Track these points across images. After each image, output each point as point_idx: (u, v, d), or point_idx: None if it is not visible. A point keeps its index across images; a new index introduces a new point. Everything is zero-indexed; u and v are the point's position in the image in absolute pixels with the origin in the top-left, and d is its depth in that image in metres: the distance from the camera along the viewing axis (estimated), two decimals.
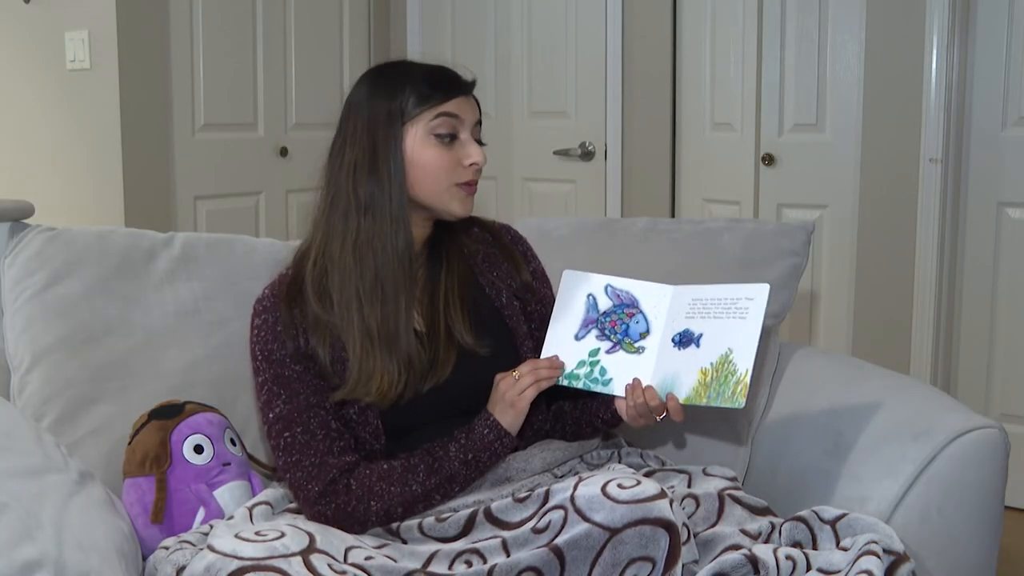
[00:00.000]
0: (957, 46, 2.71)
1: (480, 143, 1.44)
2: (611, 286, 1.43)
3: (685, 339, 1.36)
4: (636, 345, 1.39)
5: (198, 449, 1.47)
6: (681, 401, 1.33)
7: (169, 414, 1.50)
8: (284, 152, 3.40)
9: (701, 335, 1.35)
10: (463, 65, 1.44)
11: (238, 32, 3.25)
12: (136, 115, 3.01)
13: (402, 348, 1.37)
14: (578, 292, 1.43)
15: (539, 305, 1.53)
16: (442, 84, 1.39)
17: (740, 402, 1.29)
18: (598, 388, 1.39)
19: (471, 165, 1.41)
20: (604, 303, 1.42)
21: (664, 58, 3.23)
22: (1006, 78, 2.70)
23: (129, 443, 1.50)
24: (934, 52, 2.71)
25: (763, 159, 2.99)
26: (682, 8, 3.17)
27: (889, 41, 2.79)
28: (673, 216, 3.27)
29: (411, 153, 1.38)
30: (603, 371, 1.39)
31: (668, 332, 1.38)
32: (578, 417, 1.49)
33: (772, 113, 2.97)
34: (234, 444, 1.53)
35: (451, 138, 1.40)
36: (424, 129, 1.38)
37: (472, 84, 1.43)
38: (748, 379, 1.29)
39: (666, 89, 3.24)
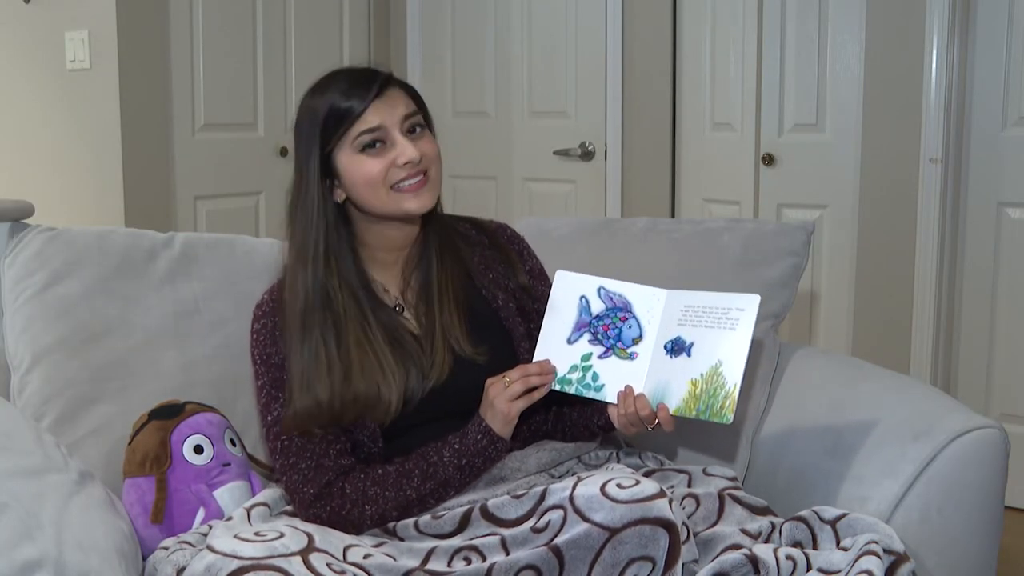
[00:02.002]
0: (957, 46, 2.71)
1: (419, 129, 1.41)
2: (604, 288, 1.41)
3: (677, 347, 1.35)
4: (628, 351, 1.38)
5: (198, 449, 1.47)
6: (671, 412, 1.33)
7: (169, 414, 1.50)
8: (284, 152, 3.40)
9: (692, 344, 1.34)
10: (380, 64, 1.43)
11: (238, 32, 3.25)
12: (136, 115, 3.01)
13: (315, 392, 1.36)
14: (571, 294, 1.42)
15: (537, 304, 1.52)
16: (350, 99, 1.37)
17: (728, 418, 1.28)
18: (590, 394, 1.38)
19: (405, 164, 1.38)
20: (597, 306, 1.41)
21: (664, 58, 3.22)
22: (1006, 78, 2.70)
23: (129, 443, 1.50)
24: (934, 52, 2.71)
25: (763, 159, 2.99)
26: (682, 8, 3.17)
27: (889, 41, 2.79)
28: (673, 216, 3.27)
29: (347, 173, 1.39)
30: (595, 376, 1.38)
31: (661, 339, 1.37)
32: (576, 420, 1.49)
33: (772, 113, 2.97)
34: (234, 444, 1.53)
35: (380, 143, 1.38)
36: (350, 147, 1.38)
37: (387, 81, 1.40)
38: (736, 394, 1.28)
39: (666, 89, 3.24)
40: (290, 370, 1.38)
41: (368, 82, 1.39)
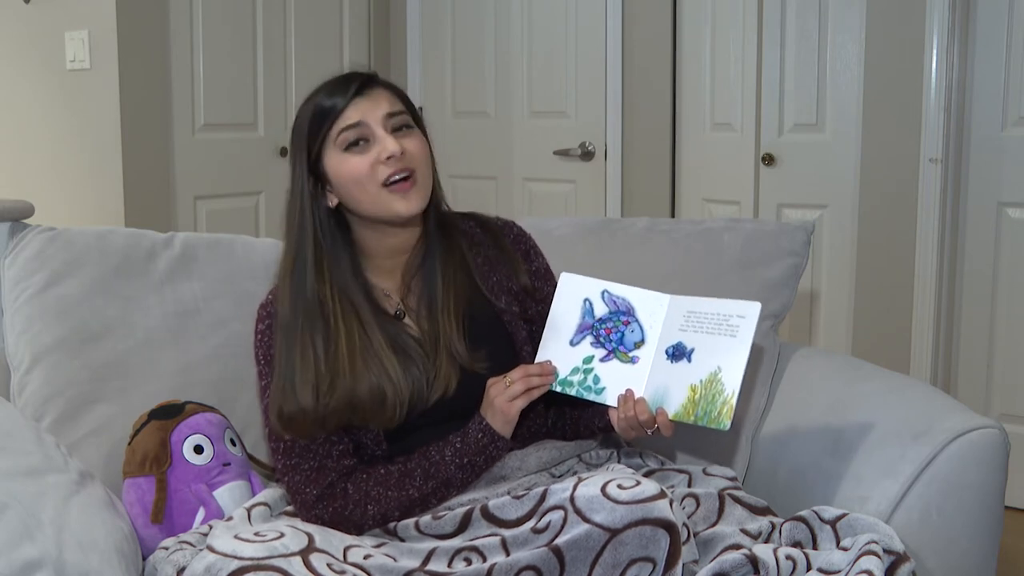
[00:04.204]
0: (957, 46, 2.71)
1: (406, 128, 1.40)
2: (608, 292, 1.42)
3: (678, 352, 1.36)
4: (630, 355, 1.38)
5: (198, 449, 1.48)
6: (670, 417, 1.33)
7: (169, 414, 1.51)
8: (284, 152, 3.40)
9: (693, 350, 1.34)
10: (361, 64, 1.45)
11: (238, 32, 3.25)
12: (136, 115, 3.01)
13: (298, 399, 1.35)
14: (575, 296, 1.42)
15: (540, 306, 1.52)
16: (333, 97, 1.39)
17: (725, 424, 1.29)
18: (591, 396, 1.39)
19: (388, 159, 1.37)
20: (600, 309, 1.41)
21: (664, 58, 3.23)
22: (1006, 78, 2.70)
23: (129, 443, 1.50)
24: (934, 52, 2.71)
25: (763, 159, 2.99)
26: (682, 8, 3.17)
27: (889, 41, 2.79)
28: (673, 216, 3.27)
29: (335, 174, 1.39)
30: (596, 379, 1.39)
31: (663, 344, 1.37)
32: (576, 420, 1.49)
33: (772, 113, 2.97)
34: (234, 444, 1.53)
35: (364, 141, 1.38)
36: (335, 146, 1.39)
37: (368, 80, 1.41)
38: (735, 400, 1.29)
39: (666, 89, 3.24)
40: (272, 375, 1.38)
41: (348, 81, 1.40)
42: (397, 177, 1.37)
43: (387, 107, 1.40)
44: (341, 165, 1.38)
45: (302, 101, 1.44)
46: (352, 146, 1.38)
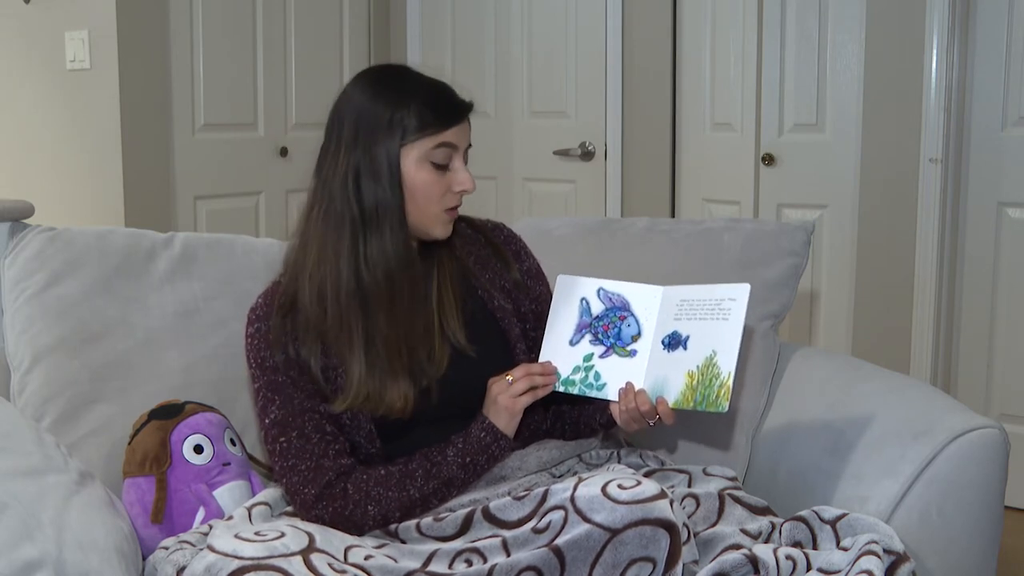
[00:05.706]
0: (957, 46, 2.71)
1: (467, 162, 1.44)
2: (603, 289, 1.44)
3: (674, 341, 1.37)
4: (628, 349, 1.40)
5: (198, 449, 1.48)
6: (670, 405, 1.34)
7: (169, 414, 1.51)
8: (284, 152, 3.40)
9: (688, 337, 1.36)
10: (462, 86, 1.44)
11: (238, 32, 3.25)
12: (136, 115, 3.01)
13: (413, 356, 1.36)
14: (572, 297, 1.44)
15: (533, 304, 1.53)
16: (444, 111, 1.39)
17: (723, 406, 1.29)
18: (593, 393, 1.40)
19: (460, 192, 1.41)
20: (597, 307, 1.43)
21: (664, 58, 3.23)
22: (1006, 78, 2.70)
23: (129, 443, 1.50)
24: (934, 52, 2.71)
25: (763, 159, 2.99)
26: (682, 8, 3.17)
27: (889, 41, 2.79)
28: (673, 216, 3.27)
29: (408, 176, 1.38)
30: (597, 376, 1.40)
31: (659, 334, 1.39)
32: (576, 419, 1.50)
33: (772, 113, 2.97)
34: (234, 444, 1.53)
35: (446, 163, 1.40)
36: (421, 154, 1.37)
37: (470, 107, 1.43)
38: (731, 382, 1.30)
39: (666, 89, 3.24)
40: (367, 341, 1.36)
41: (460, 102, 1.41)
42: (454, 207, 1.42)
43: (468, 139, 1.43)
44: (418, 173, 1.38)
45: (385, 76, 1.43)
46: (435, 164, 1.38)
